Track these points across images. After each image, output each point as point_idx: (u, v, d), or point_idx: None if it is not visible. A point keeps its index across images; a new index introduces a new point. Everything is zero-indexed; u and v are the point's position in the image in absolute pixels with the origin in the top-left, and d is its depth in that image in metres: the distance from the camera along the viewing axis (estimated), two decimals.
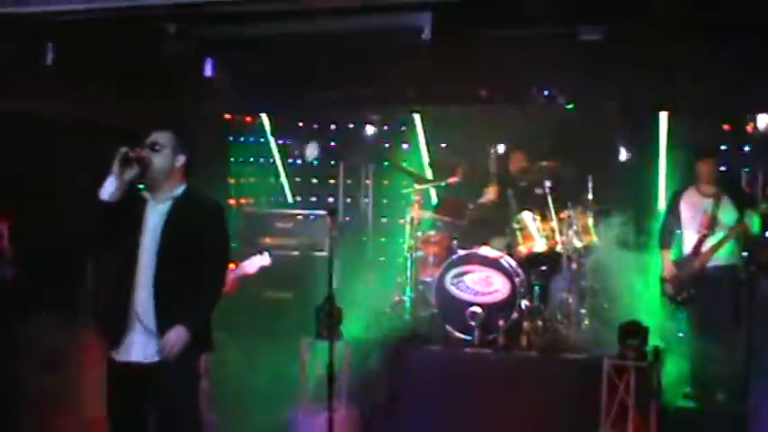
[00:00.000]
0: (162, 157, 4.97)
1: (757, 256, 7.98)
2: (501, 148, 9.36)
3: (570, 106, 9.14)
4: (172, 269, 4.92)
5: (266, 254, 6.72)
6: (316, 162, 10.24)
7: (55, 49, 6.94)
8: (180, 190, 5.05)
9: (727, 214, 7.78)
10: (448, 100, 9.57)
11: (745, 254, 8.00)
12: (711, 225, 7.78)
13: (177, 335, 4.87)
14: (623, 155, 9.18)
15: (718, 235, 7.76)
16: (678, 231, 8.05)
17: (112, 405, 5.04)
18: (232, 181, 10.31)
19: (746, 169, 8.82)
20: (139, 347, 4.94)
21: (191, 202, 5.05)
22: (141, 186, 5.08)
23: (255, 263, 6.67)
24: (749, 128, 9.01)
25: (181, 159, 5.04)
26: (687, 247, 7.95)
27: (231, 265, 6.34)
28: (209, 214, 5.10)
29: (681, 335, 8.12)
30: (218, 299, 5.13)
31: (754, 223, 7.66)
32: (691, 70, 7.88)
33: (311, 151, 9.96)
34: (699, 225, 7.85)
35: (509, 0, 5.50)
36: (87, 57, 7.24)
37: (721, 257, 7.80)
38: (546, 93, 8.87)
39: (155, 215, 4.99)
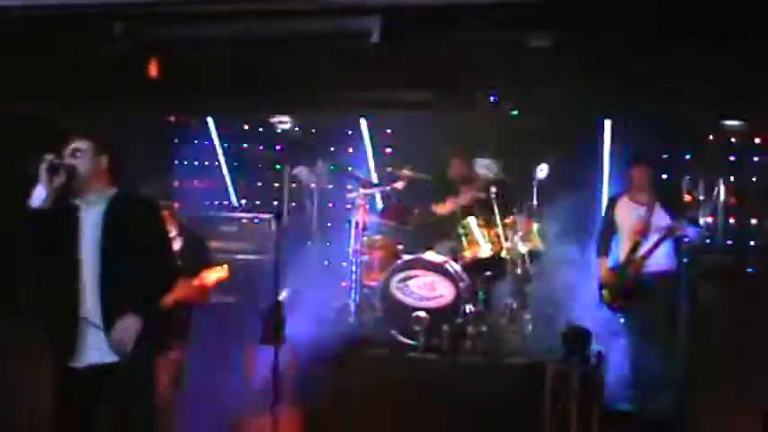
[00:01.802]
0: (84, 162, 5.02)
1: (698, 262, 8.12)
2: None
3: (515, 112, 9.20)
4: (116, 268, 4.95)
5: (225, 266, 6.70)
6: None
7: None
8: (110, 191, 5.12)
9: (660, 221, 7.88)
10: (394, 104, 9.58)
11: (685, 260, 8.12)
12: (645, 231, 7.88)
13: (126, 322, 4.90)
14: (567, 161, 9.23)
15: (652, 241, 7.85)
16: (615, 238, 8.15)
17: (63, 411, 5.02)
18: (176, 183, 10.20)
19: (688, 177, 8.92)
20: (94, 351, 4.96)
21: (125, 201, 5.11)
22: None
23: (213, 276, 6.64)
24: (690, 136, 9.16)
25: (104, 160, 5.10)
26: (622, 255, 8.05)
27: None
28: (145, 210, 5.20)
29: (621, 340, 8.22)
30: (166, 287, 5.25)
31: (684, 229, 7.75)
32: (635, 79, 7.99)
33: (304, 174, 9.82)
34: (632, 232, 7.94)
35: (458, 5, 5.50)
36: (28, 55, 7.11)
37: (657, 264, 7.89)
38: (492, 98, 8.92)
39: (90, 217, 5.04)
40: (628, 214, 8.00)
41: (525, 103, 9.07)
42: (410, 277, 8.14)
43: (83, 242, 5.00)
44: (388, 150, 10.36)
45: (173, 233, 6.38)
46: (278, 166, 10.52)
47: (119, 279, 4.95)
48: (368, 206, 9.03)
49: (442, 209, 8.96)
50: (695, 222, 7.84)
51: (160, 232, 5.28)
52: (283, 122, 9.85)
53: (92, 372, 4.96)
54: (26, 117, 7.64)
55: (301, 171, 9.53)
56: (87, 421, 5.01)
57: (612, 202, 8.29)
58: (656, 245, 7.80)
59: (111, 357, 4.95)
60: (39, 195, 4.89)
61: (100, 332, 4.92)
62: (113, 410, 5.02)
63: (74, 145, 5.05)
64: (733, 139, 9.08)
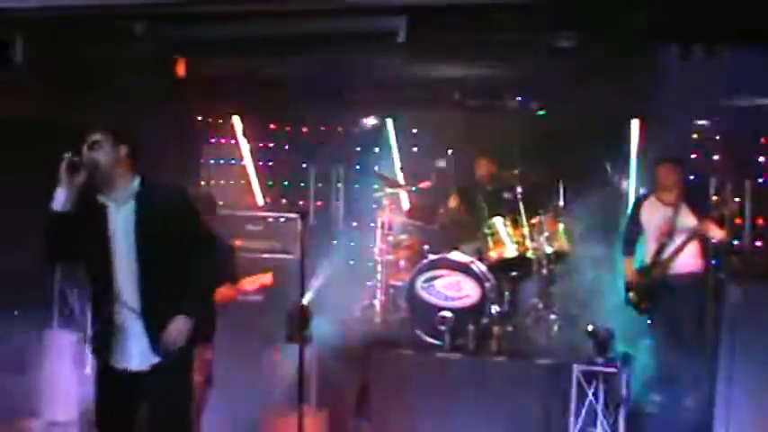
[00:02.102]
0: (103, 153, 4.84)
1: (726, 263, 8.06)
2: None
3: (542, 113, 9.18)
4: (155, 270, 4.84)
5: (269, 274, 6.70)
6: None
7: (23, 47, 6.85)
8: (135, 184, 4.93)
9: (686, 221, 7.81)
10: (421, 104, 9.58)
11: (713, 261, 8.06)
12: (671, 232, 7.82)
13: (178, 325, 4.85)
14: (594, 161, 9.19)
15: (678, 242, 7.80)
16: (641, 239, 8.11)
17: (104, 410, 5.01)
18: (203, 182, 10.25)
19: (715, 177, 8.85)
20: (135, 356, 4.90)
21: (153, 195, 4.93)
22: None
23: (257, 281, 6.65)
24: (716, 137, 9.11)
25: (123, 150, 4.90)
26: (648, 255, 8.00)
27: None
28: (176, 202, 5.02)
29: (648, 341, 8.18)
30: (213, 280, 5.27)
31: (711, 230, 7.69)
32: (662, 79, 7.94)
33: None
34: (658, 233, 7.89)
35: (485, 5, 5.49)
36: (56, 56, 7.15)
37: (683, 265, 7.83)
38: (519, 99, 8.91)
39: (120, 219, 4.88)
40: (654, 215, 7.94)
41: (552, 103, 9.04)
42: (436, 277, 8.14)
43: (116, 242, 4.85)
44: (414, 150, 10.33)
45: None
46: (304, 165, 10.58)
47: (160, 283, 4.83)
48: (393, 206, 9.03)
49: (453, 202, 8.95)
50: (722, 223, 7.77)
51: (195, 223, 5.08)
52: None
53: (134, 374, 4.91)
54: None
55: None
56: (127, 419, 4.96)
57: (639, 202, 8.23)
58: (683, 246, 7.74)
59: (151, 361, 4.89)
60: (60, 197, 4.76)
61: (143, 338, 4.85)
62: (151, 409, 4.95)
63: (92, 138, 4.88)
64: (762, 140, 8.98)
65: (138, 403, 4.96)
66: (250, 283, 6.64)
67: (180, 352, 4.91)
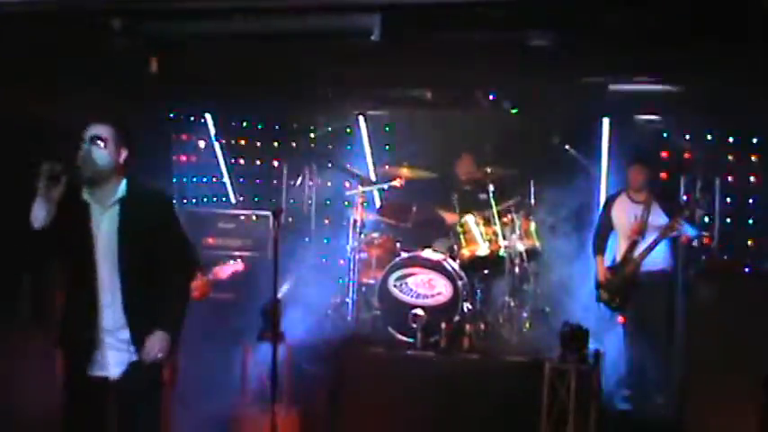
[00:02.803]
0: (105, 153, 4.63)
1: (695, 262, 8.14)
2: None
3: (515, 111, 9.21)
4: (136, 276, 4.69)
5: (239, 260, 6.66)
6: None
7: None
8: (122, 187, 4.70)
9: (658, 220, 7.88)
10: (394, 103, 9.59)
11: (681, 259, 8.12)
12: (642, 230, 7.88)
13: (160, 341, 4.71)
14: (566, 160, 9.24)
15: (649, 240, 7.86)
16: (612, 237, 8.16)
17: (72, 418, 4.84)
18: (174, 180, 10.18)
19: (685, 176, 8.92)
20: (113, 363, 4.75)
21: (138, 200, 4.71)
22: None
23: (228, 269, 6.61)
24: (688, 135, 9.18)
25: (124, 154, 4.70)
26: (619, 253, 8.06)
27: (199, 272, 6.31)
28: (161, 209, 4.84)
29: (619, 339, 8.24)
30: (188, 298, 5.00)
31: (685, 227, 7.76)
32: (634, 78, 8.01)
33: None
34: (629, 231, 7.95)
35: (459, 3, 5.49)
36: (27, 51, 7.08)
37: (654, 263, 7.90)
38: (492, 97, 8.93)
39: (104, 222, 4.68)
40: (625, 213, 8.01)
41: (525, 101, 9.07)
42: (408, 275, 8.15)
43: (98, 244, 4.66)
44: (386, 148, 10.33)
45: None
46: (276, 163, 10.55)
47: (141, 289, 4.70)
48: (365, 204, 9.03)
49: (451, 218, 8.93)
50: (692, 222, 7.84)
51: (179, 233, 4.92)
52: None
53: (107, 381, 4.79)
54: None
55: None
56: (97, 425, 4.82)
57: (610, 200, 8.30)
58: (654, 245, 7.80)
59: (124, 367, 4.77)
60: (40, 213, 4.47)
61: (124, 346, 4.72)
62: (122, 413, 4.81)
63: (95, 130, 4.65)
64: (731, 139, 9.06)
65: (106, 408, 4.82)
66: (222, 271, 6.59)
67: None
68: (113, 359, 4.74)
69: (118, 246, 4.65)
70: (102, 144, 4.63)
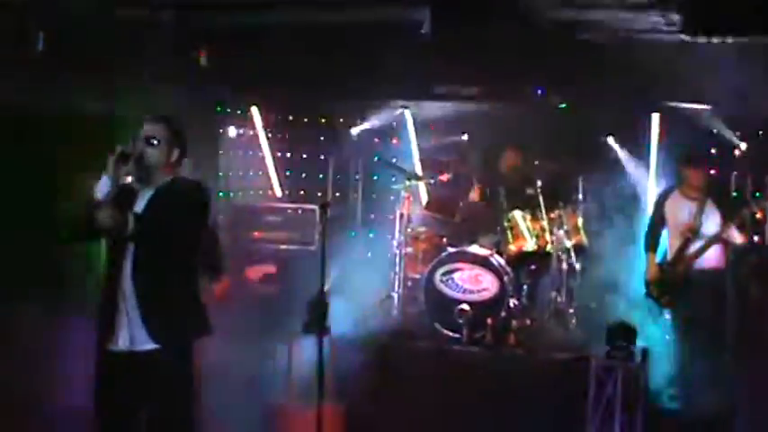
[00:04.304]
0: (158, 152, 4.81)
1: (747, 261, 8.02)
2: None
3: (563, 106, 9.14)
4: (151, 255, 4.76)
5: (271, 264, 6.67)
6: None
7: (44, 36, 6.85)
8: (165, 179, 4.87)
9: (711, 218, 7.77)
10: (442, 97, 9.55)
11: (734, 258, 8.00)
12: (695, 229, 7.78)
13: None
14: (614, 156, 9.16)
15: (702, 239, 7.76)
16: (663, 234, 8.06)
17: (102, 399, 4.89)
18: (220, 174, 10.23)
19: (735, 173, 8.81)
20: (126, 335, 4.79)
21: (172, 188, 4.87)
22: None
23: (259, 271, 6.60)
24: (739, 132, 9.06)
25: (176, 153, 4.88)
26: (671, 251, 7.95)
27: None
28: (189, 196, 4.91)
29: (667, 337, 8.15)
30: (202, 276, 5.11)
31: (736, 229, 7.65)
32: (683, 73, 7.91)
33: None
34: (683, 228, 7.85)
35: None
36: (77, 45, 7.16)
37: (706, 261, 7.79)
38: (540, 92, 8.87)
39: (140, 204, 4.84)
40: (678, 210, 7.89)
41: (574, 96, 9.00)
42: (454, 270, 8.12)
43: (130, 228, 4.72)
44: (433, 143, 10.29)
45: None
46: (322, 157, 10.56)
47: (154, 269, 4.77)
48: (412, 198, 9.01)
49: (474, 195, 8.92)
50: (743, 226, 7.72)
51: (199, 216, 4.96)
52: None
53: (131, 358, 4.81)
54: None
55: None
56: (128, 414, 4.85)
57: (663, 196, 8.15)
58: (707, 247, 7.68)
59: (148, 345, 4.78)
60: (104, 187, 4.70)
61: (139, 321, 4.76)
62: (151, 401, 4.84)
63: (150, 131, 4.83)
64: None
65: (137, 395, 4.84)
66: (254, 272, 6.57)
67: (178, 342, 4.86)
68: (129, 332, 4.79)
69: (141, 224, 4.71)
70: (155, 143, 4.80)
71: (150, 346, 4.77)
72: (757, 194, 8.68)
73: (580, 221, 8.57)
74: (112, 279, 4.84)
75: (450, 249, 8.34)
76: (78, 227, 4.92)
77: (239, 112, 10.38)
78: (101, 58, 7.26)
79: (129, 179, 4.86)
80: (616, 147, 9.23)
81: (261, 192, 10.46)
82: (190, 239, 4.89)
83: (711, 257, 7.79)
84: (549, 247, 8.40)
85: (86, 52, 7.12)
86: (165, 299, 4.81)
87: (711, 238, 7.68)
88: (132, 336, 4.78)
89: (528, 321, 8.21)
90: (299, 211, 9.26)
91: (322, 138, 10.62)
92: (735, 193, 8.55)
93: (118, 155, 4.68)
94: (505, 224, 8.51)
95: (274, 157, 10.61)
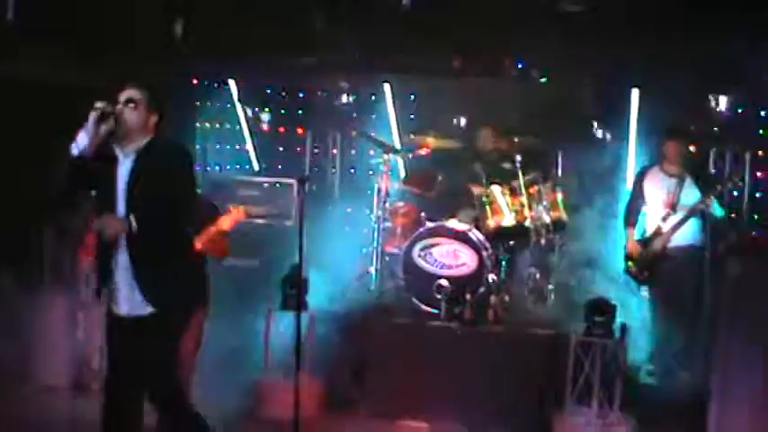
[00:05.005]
0: (136, 114, 4.96)
1: (725, 237, 8.03)
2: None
3: (544, 80, 9.09)
4: (144, 223, 4.88)
5: (240, 207, 6.60)
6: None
7: (16, 4, 6.74)
8: (145, 141, 5.02)
9: (690, 194, 7.78)
10: (421, 70, 9.48)
11: (712, 234, 8.01)
12: (674, 205, 7.79)
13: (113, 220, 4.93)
14: (594, 131, 9.13)
15: (680, 215, 7.76)
16: (643, 210, 8.05)
17: (110, 352, 5.15)
18: (197, 147, 10.13)
19: (714, 150, 8.81)
20: (127, 303, 5.00)
21: (154, 150, 5.00)
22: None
23: (229, 220, 6.52)
24: (718, 108, 9.04)
25: (153, 118, 5.04)
26: (650, 227, 7.96)
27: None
28: (176, 159, 5.06)
29: (645, 313, 8.16)
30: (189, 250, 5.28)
31: (715, 205, 7.66)
32: (665, 49, 7.88)
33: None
34: (662, 204, 7.85)
35: None
36: (51, 14, 7.04)
37: (684, 238, 7.80)
38: (520, 65, 8.83)
39: (122, 169, 4.98)
40: (658, 186, 7.89)
41: (554, 70, 8.95)
42: (433, 245, 8.08)
43: (117, 191, 4.97)
44: (411, 117, 10.22)
45: None
46: (300, 131, 10.47)
47: (149, 227, 4.90)
48: (390, 173, 8.95)
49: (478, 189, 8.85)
50: (722, 200, 7.73)
51: (189, 176, 5.14)
52: None
53: (134, 322, 5.01)
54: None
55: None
56: (130, 374, 5.04)
57: (643, 172, 8.15)
58: (684, 220, 7.71)
59: (143, 310, 4.97)
60: (82, 142, 4.83)
61: (135, 285, 4.94)
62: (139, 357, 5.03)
63: (129, 93, 4.98)
64: (762, 113, 8.93)
65: (135, 356, 5.01)
66: (224, 221, 6.49)
67: (175, 308, 5.05)
68: (128, 297, 5.00)
69: (126, 190, 4.95)
70: (133, 106, 4.96)
71: (149, 309, 4.96)
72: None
73: (559, 197, 8.52)
74: (105, 250, 5.00)
75: (429, 224, 8.28)
76: (61, 185, 5.02)
77: (216, 85, 10.28)
78: (75, 28, 7.16)
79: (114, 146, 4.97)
80: (596, 122, 9.16)
81: (238, 165, 10.38)
82: (180, 201, 5.05)
83: (688, 234, 7.81)
84: (527, 223, 8.36)
85: (60, 21, 7.02)
86: (161, 265, 4.97)
87: (690, 210, 7.69)
88: (132, 301, 4.98)
89: (506, 297, 8.18)
90: (277, 185, 9.18)
91: (300, 111, 10.51)
92: (713, 170, 8.52)
93: (98, 113, 4.81)
94: (484, 199, 8.46)
95: (251, 131, 10.51)
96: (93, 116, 4.80)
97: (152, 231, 4.90)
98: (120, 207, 4.95)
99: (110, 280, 5.02)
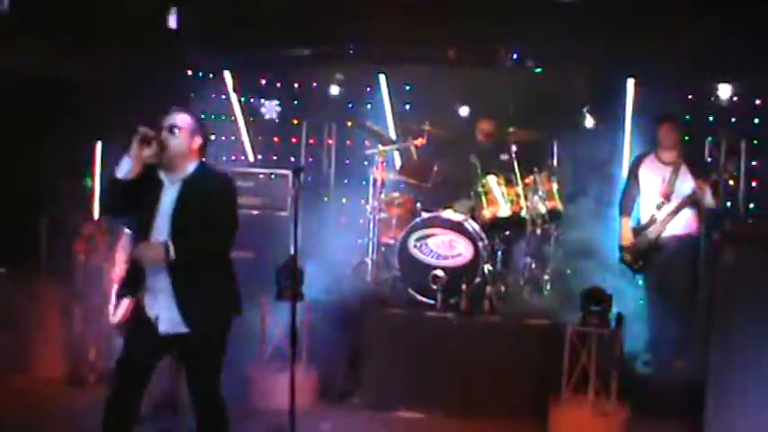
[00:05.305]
0: (179, 141, 5.02)
1: (720, 225, 8.02)
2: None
3: (538, 70, 9.08)
4: (185, 246, 4.95)
5: None
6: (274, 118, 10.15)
7: None
8: (190, 168, 5.09)
9: (685, 183, 7.78)
10: (416, 61, 9.46)
11: (706, 223, 8.01)
12: (668, 193, 7.78)
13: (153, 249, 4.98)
14: (589, 121, 9.11)
15: (675, 203, 7.75)
16: (638, 199, 8.05)
17: (130, 351, 5.13)
18: None
19: (709, 139, 8.80)
20: (165, 322, 5.03)
21: (200, 180, 5.08)
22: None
23: None
24: (713, 98, 9.05)
25: (198, 141, 5.10)
26: (645, 215, 7.95)
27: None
28: (219, 187, 5.13)
29: (641, 302, 8.17)
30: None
31: (709, 194, 7.65)
32: (659, 39, 7.87)
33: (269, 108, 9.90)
34: (656, 193, 7.84)
35: None
36: (45, 5, 7.02)
37: (679, 226, 7.80)
38: (515, 56, 8.81)
39: (167, 196, 5.06)
40: (653, 174, 7.89)
41: (549, 60, 8.94)
42: (428, 235, 8.07)
43: (157, 219, 5.03)
44: (407, 107, 10.21)
45: None
46: (295, 122, 10.44)
47: (188, 253, 4.96)
48: (386, 163, 8.94)
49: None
50: (717, 190, 7.73)
51: (230, 207, 5.18)
52: None
53: (170, 336, 5.08)
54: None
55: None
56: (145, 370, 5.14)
57: (638, 161, 8.14)
58: (679, 209, 7.70)
59: (180, 330, 5.04)
60: (125, 166, 4.91)
61: (174, 311, 5.00)
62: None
63: (173, 121, 5.05)
64: (757, 101, 8.93)
65: (157, 358, 5.17)
66: None
67: (215, 328, 5.18)
68: (164, 316, 5.03)
69: (172, 217, 5.01)
70: (177, 132, 5.03)
71: (186, 329, 5.04)
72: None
73: (555, 187, 8.52)
74: (139, 272, 5.04)
75: (425, 215, 8.28)
76: (107, 203, 5.23)
77: (211, 75, 10.26)
78: (68, 19, 7.14)
79: (160, 171, 5.06)
80: (591, 111, 9.15)
81: (233, 156, 10.36)
82: (223, 229, 5.10)
83: (684, 223, 7.80)
84: (523, 213, 8.35)
85: (53, 13, 7.00)
86: (202, 289, 5.04)
87: (685, 199, 7.69)
88: (172, 321, 5.02)
89: (502, 287, 8.19)
90: (272, 176, 9.16)
91: (295, 102, 10.48)
92: (709, 159, 8.51)
93: (141, 136, 4.87)
94: (479, 189, 8.44)
95: (246, 122, 10.49)
96: (135, 140, 4.86)
97: (194, 257, 4.99)
98: (162, 231, 5.01)
99: (150, 300, 5.06)
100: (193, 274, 5.00)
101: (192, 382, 5.21)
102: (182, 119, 5.07)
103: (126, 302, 6.32)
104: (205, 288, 5.06)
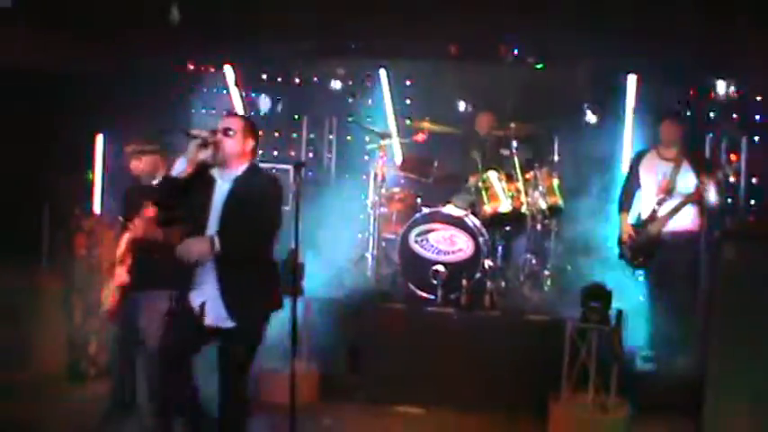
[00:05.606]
0: (233, 142, 5.29)
1: (721, 222, 8.03)
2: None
3: (540, 66, 9.07)
4: (232, 240, 5.17)
5: None
6: (268, 113, 10.15)
7: None
8: (243, 167, 5.35)
9: (686, 179, 7.76)
10: (417, 56, 9.45)
11: (709, 220, 8.00)
12: (669, 189, 7.76)
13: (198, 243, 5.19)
14: (590, 116, 9.11)
15: (676, 200, 7.74)
16: (638, 195, 8.04)
17: (175, 338, 5.35)
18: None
19: (710, 135, 8.80)
20: (210, 315, 5.25)
21: (250, 179, 5.34)
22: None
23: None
24: (714, 94, 9.04)
25: (250, 143, 5.39)
26: (645, 211, 7.94)
27: None
28: (268, 187, 5.36)
29: (641, 298, 8.16)
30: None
31: (710, 191, 7.64)
32: (660, 35, 7.86)
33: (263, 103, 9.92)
34: (657, 189, 7.83)
35: None
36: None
37: (680, 222, 7.78)
38: (516, 51, 8.80)
39: (219, 193, 5.32)
40: (654, 170, 7.87)
41: (550, 55, 8.94)
42: (429, 231, 8.09)
43: (210, 218, 5.27)
44: (408, 102, 10.20)
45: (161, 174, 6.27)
46: (296, 117, 10.44)
47: (235, 247, 5.18)
48: (386, 158, 8.93)
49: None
50: (719, 187, 7.71)
51: (275, 206, 5.41)
52: None
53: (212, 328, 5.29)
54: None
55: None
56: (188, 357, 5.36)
57: (638, 157, 8.12)
58: (681, 206, 7.68)
59: (225, 324, 5.26)
60: (180, 167, 5.25)
61: (219, 304, 5.22)
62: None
63: (227, 123, 5.34)
64: (758, 98, 8.92)
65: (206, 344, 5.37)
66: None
67: (258, 323, 5.41)
68: (210, 310, 5.25)
69: (221, 213, 5.27)
70: (232, 134, 5.30)
71: (233, 324, 5.27)
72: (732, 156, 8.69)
73: (556, 183, 8.52)
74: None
75: (425, 210, 8.29)
76: (160, 201, 5.50)
77: (212, 69, 10.25)
78: (69, 13, 7.14)
79: (213, 170, 5.30)
80: (592, 107, 9.14)
81: None
82: (268, 226, 5.34)
83: (685, 220, 7.79)
84: (524, 209, 8.35)
85: (55, 7, 6.99)
86: (247, 284, 5.26)
87: (687, 196, 7.68)
88: (216, 314, 5.25)
89: (503, 283, 8.20)
90: (273, 171, 9.14)
91: (296, 96, 10.47)
92: (710, 155, 8.51)
93: (200, 142, 5.18)
94: (480, 185, 8.44)
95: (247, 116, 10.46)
96: (193, 144, 5.17)
97: (240, 251, 5.22)
98: (212, 226, 5.25)
99: (195, 294, 5.28)
100: (238, 268, 5.20)
101: (224, 376, 5.38)
102: (236, 122, 5.37)
103: (113, 289, 6.40)
104: (249, 283, 5.26)
